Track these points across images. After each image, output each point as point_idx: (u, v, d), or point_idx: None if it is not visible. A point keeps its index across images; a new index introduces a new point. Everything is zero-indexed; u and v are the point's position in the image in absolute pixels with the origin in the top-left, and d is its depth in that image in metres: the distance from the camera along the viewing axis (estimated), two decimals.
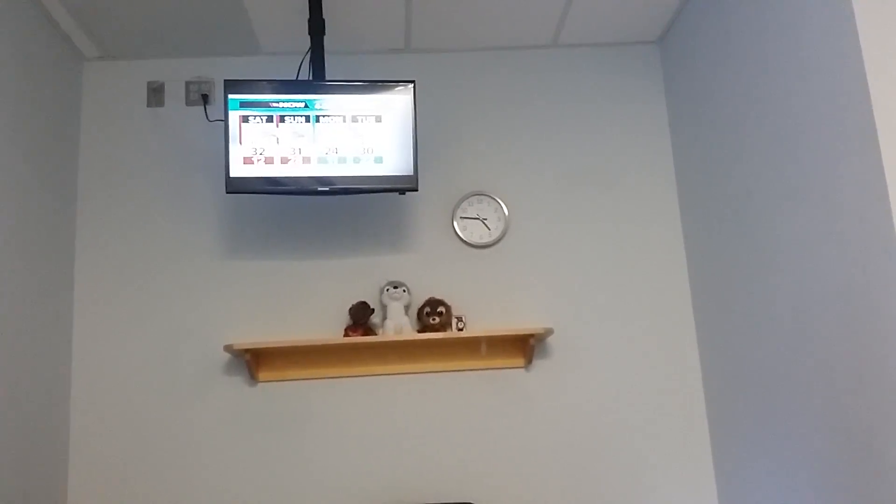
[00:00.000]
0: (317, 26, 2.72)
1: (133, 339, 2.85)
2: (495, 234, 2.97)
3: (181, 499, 2.74)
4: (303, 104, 2.61)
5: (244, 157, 2.58)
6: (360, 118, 2.63)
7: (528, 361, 2.87)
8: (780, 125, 2.21)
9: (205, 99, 3.00)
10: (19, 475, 2.42)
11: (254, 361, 2.78)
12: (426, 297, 2.86)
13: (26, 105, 2.56)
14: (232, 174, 2.56)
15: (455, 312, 2.88)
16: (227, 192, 2.56)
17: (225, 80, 2.60)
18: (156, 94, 3.03)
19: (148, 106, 3.02)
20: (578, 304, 2.94)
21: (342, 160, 2.61)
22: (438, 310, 2.79)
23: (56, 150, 2.79)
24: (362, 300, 2.84)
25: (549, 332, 2.78)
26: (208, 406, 2.81)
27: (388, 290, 2.82)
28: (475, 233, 2.97)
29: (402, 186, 2.64)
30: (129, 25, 2.81)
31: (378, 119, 2.64)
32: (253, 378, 2.81)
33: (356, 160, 2.62)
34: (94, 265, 2.89)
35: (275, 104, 2.60)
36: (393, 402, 2.84)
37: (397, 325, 2.76)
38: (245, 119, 2.59)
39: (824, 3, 1.94)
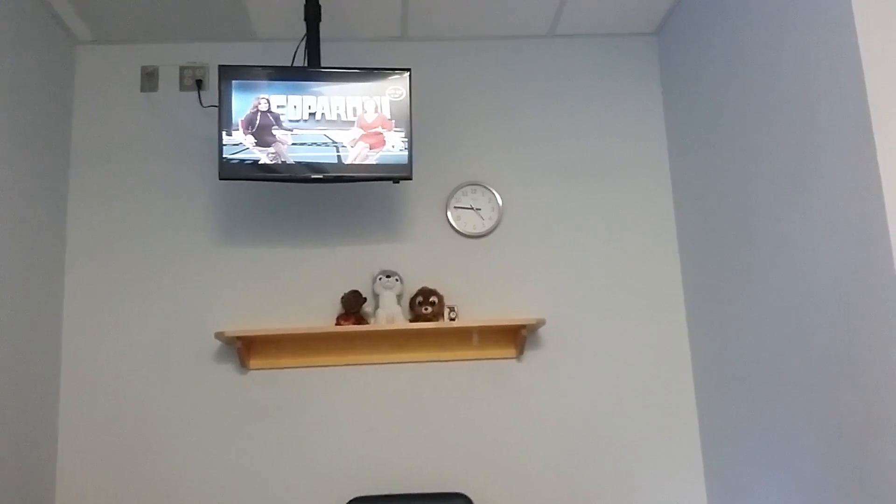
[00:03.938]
0: (312, 12, 2.70)
1: (123, 326, 2.84)
2: (489, 225, 2.96)
3: (171, 486, 2.74)
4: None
5: (238, 144, 2.56)
6: None
7: (520, 352, 2.87)
8: (776, 118, 2.20)
9: (199, 84, 2.98)
10: (8, 462, 2.41)
11: (245, 349, 2.78)
12: (419, 287, 2.85)
13: (18, 88, 2.54)
14: (225, 160, 2.55)
15: (447, 302, 2.87)
16: (220, 179, 2.55)
17: (219, 66, 2.58)
18: (150, 78, 3.01)
19: (142, 91, 3.00)
20: (571, 296, 2.94)
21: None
22: (431, 299, 2.79)
23: (48, 135, 2.77)
24: (354, 289, 2.84)
25: (541, 322, 2.77)
26: (199, 393, 2.80)
27: (380, 279, 2.81)
28: (469, 223, 2.96)
29: (396, 175, 2.63)
30: (123, 9, 2.79)
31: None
32: (244, 366, 2.81)
33: None
34: (84, 251, 2.88)
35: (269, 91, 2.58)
36: (384, 392, 2.84)
37: (389, 314, 2.76)
38: (239, 105, 2.57)
39: None
